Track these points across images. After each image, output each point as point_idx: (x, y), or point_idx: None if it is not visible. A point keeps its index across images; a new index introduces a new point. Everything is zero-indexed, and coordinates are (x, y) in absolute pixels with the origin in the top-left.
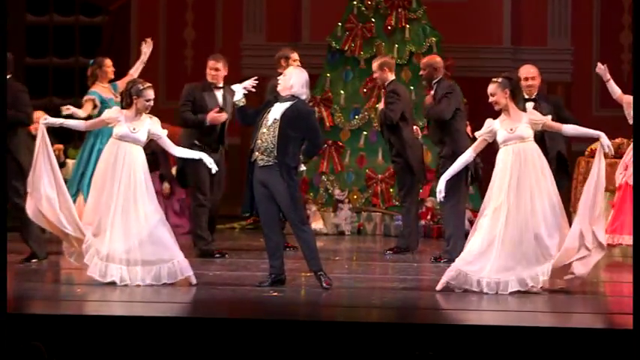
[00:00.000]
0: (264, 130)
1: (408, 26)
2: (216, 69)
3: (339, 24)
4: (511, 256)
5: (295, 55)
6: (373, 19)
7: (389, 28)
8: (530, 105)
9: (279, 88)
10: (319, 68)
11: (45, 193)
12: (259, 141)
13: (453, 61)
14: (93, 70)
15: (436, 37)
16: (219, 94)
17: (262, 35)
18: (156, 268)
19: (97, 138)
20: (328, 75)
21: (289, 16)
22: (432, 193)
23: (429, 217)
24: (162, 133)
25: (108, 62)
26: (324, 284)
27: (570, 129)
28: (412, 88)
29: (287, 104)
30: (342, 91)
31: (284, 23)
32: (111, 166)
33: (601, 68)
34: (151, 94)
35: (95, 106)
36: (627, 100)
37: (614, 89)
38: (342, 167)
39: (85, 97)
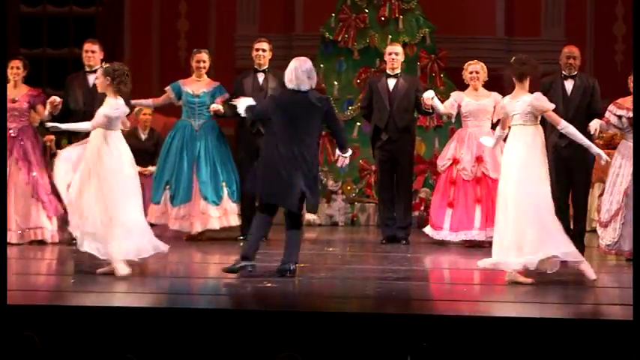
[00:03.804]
0: None
1: (401, 17)
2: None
3: (333, 15)
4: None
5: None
6: (367, 10)
7: (382, 18)
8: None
9: (314, 83)
10: (313, 59)
11: None
12: None
13: (446, 51)
14: None
15: (429, 28)
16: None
17: (256, 26)
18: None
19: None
20: (322, 66)
21: (282, 7)
22: (426, 184)
23: (422, 207)
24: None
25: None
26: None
27: (566, 127)
28: None
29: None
30: (335, 82)
31: (277, 14)
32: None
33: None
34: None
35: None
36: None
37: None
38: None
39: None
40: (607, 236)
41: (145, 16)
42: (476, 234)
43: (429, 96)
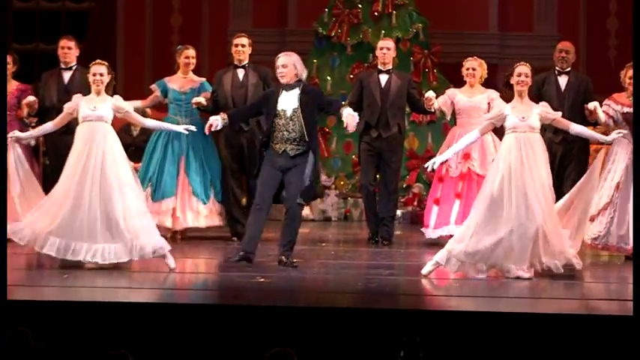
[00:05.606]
0: (285, 121)
1: (394, 12)
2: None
3: (326, 10)
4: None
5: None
6: (360, 5)
7: (375, 14)
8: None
9: (286, 79)
10: (306, 54)
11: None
12: (285, 132)
13: (439, 47)
14: None
15: (423, 23)
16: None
17: (249, 21)
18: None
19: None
20: (315, 61)
21: (276, 2)
22: (419, 180)
23: (415, 203)
24: (128, 107)
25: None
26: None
27: (578, 128)
28: None
29: (297, 90)
30: (328, 78)
31: (271, 9)
32: (81, 150)
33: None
34: (95, 69)
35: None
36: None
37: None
38: (328, 153)
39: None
40: (593, 229)
41: (138, 11)
42: (452, 229)
43: (432, 95)
